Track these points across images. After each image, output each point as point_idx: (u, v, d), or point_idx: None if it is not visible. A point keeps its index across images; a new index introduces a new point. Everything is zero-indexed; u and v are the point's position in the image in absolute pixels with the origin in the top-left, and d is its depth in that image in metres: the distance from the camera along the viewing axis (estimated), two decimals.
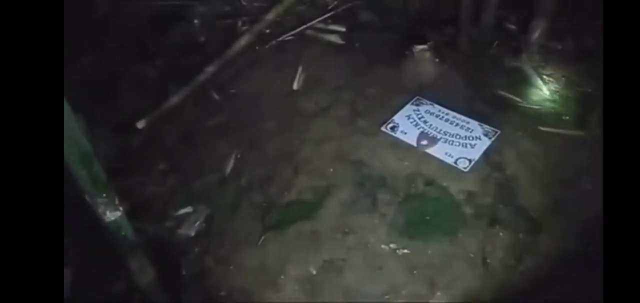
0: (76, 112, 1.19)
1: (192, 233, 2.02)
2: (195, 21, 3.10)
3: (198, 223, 2.04)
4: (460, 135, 2.19)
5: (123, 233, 1.42)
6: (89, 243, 2.01)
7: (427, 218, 1.91)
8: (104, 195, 1.33)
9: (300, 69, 2.71)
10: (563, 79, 2.50)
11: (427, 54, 2.60)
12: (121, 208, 1.38)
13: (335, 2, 3.19)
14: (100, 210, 1.34)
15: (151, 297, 1.62)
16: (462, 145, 2.14)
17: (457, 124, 2.25)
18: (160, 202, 2.15)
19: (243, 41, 2.92)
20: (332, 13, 3.10)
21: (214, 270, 1.87)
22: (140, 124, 2.51)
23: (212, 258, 1.91)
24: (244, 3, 3.25)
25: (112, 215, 1.36)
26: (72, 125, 1.18)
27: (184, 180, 2.24)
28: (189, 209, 2.10)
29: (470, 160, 2.07)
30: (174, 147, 2.42)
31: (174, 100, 2.64)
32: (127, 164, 2.33)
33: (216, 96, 2.68)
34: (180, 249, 1.96)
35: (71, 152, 1.22)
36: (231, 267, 1.88)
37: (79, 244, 2.02)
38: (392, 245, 1.85)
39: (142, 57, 2.94)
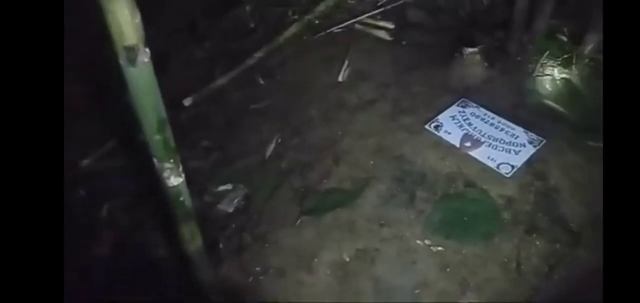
0: None
1: (231, 210, 2.08)
2: (247, 7, 3.17)
3: (237, 200, 2.11)
4: (504, 140, 2.16)
5: (181, 199, 1.49)
6: (135, 210, 2.13)
7: (465, 219, 1.91)
8: (172, 160, 1.39)
9: (346, 61, 2.73)
10: None
11: (477, 57, 2.57)
12: (183, 175, 1.45)
13: None
14: (165, 175, 1.40)
15: (196, 264, 1.69)
16: (506, 151, 2.12)
17: (502, 129, 2.22)
18: (202, 177, 2.23)
19: (292, 30, 2.97)
20: (381, 9, 3.11)
21: (250, 247, 1.93)
22: (187, 101, 2.60)
23: (249, 235, 1.97)
24: None
25: (175, 180, 1.43)
26: (156, 91, 1.26)
27: (225, 159, 2.32)
28: (228, 186, 2.17)
29: (513, 166, 2.05)
30: (218, 126, 2.50)
31: (221, 81, 2.73)
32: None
33: (262, 81, 2.74)
34: (218, 224, 2.03)
35: (150, 117, 1.29)
36: (267, 245, 1.93)
37: (126, 209, 2.13)
38: (426, 242, 1.85)
39: (192, 38, 3.04)
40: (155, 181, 1.48)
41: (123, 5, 1.11)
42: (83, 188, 2.22)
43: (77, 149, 2.33)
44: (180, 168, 1.42)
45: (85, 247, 1.96)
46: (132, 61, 1.21)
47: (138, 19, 1.17)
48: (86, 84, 2.53)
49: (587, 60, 2.53)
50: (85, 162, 2.35)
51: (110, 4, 1.08)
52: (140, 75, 1.25)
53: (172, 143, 1.38)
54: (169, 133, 1.37)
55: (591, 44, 2.50)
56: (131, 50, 1.19)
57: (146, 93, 1.28)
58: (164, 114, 1.32)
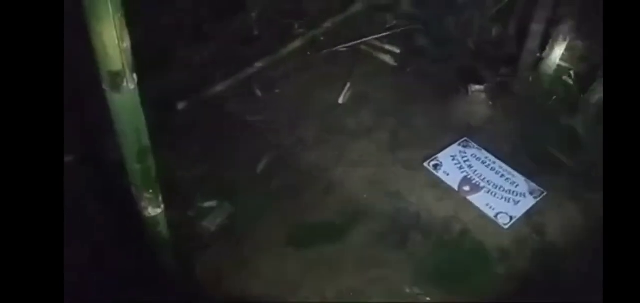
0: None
1: (213, 229, 1.98)
2: (253, 14, 3.08)
3: (220, 219, 2.01)
4: (504, 188, 2.08)
5: (159, 229, 1.40)
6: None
7: (457, 269, 1.82)
8: (151, 191, 1.31)
9: (348, 83, 2.65)
10: None
11: (482, 95, 2.50)
12: (162, 206, 1.36)
13: (394, 22, 3.11)
14: (142, 204, 1.32)
15: (170, 291, 1.60)
16: (506, 200, 2.03)
17: (502, 175, 2.14)
18: (187, 188, 2.13)
19: (297, 43, 2.89)
20: (389, 32, 3.03)
21: (229, 271, 1.83)
22: (181, 105, 2.50)
23: (230, 259, 1.87)
24: None
25: (153, 211, 1.35)
26: (140, 119, 1.17)
27: (213, 171, 2.22)
28: (213, 203, 2.07)
29: (511, 218, 1.96)
30: (210, 135, 2.40)
31: (219, 88, 2.63)
32: (161, 143, 2.32)
33: (260, 93, 2.65)
34: (200, 242, 1.93)
35: (131, 145, 1.21)
36: (247, 272, 1.83)
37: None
38: (415, 289, 1.76)
39: (194, 40, 2.95)
40: (132, 207, 1.39)
41: (111, 28, 1.01)
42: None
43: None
44: (160, 199, 1.34)
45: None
46: (117, 87, 1.12)
47: (127, 43, 1.09)
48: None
49: (593, 109, 2.46)
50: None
51: (98, 26, 0.99)
52: (125, 102, 1.17)
53: (153, 173, 1.30)
54: (151, 162, 1.28)
55: (599, 94, 2.42)
56: (116, 76, 1.11)
57: (129, 120, 1.20)
58: (147, 143, 1.24)
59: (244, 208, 2.05)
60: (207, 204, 2.07)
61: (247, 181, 2.16)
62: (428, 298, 1.73)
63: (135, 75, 1.12)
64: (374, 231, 1.93)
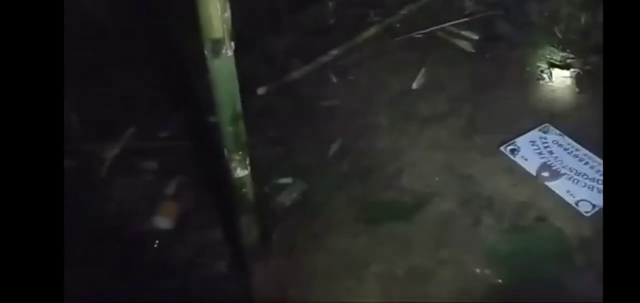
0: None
1: (288, 204, 2.09)
2: (330, 3, 3.16)
3: (295, 195, 2.11)
4: (588, 176, 1.97)
5: (245, 191, 1.52)
6: (201, 190, 2.20)
7: (532, 254, 1.76)
8: (240, 153, 1.43)
9: (423, 69, 2.64)
10: None
11: (566, 81, 2.37)
12: (249, 168, 1.48)
13: (474, 8, 3.04)
14: (232, 166, 1.44)
15: (248, 255, 1.71)
16: (588, 187, 1.93)
17: (586, 163, 2.03)
18: (264, 166, 2.25)
19: (372, 31, 2.92)
20: (467, 18, 2.97)
21: (302, 245, 1.92)
22: (261, 90, 2.64)
23: (302, 233, 1.96)
24: None
25: (241, 172, 1.46)
26: (235, 85, 1.29)
27: (289, 152, 2.32)
28: (289, 180, 2.17)
29: (594, 206, 1.86)
30: (286, 119, 2.51)
31: (295, 75, 2.74)
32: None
33: (335, 79, 2.72)
34: (275, 216, 2.04)
35: (226, 109, 1.33)
36: (319, 246, 1.91)
37: (193, 188, 2.20)
38: (486, 271, 1.73)
39: (273, 29, 3.09)
40: (221, 169, 1.52)
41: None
42: (155, 161, 2.33)
43: (154, 122, 2.46)
44: (247, 161, 1.45)
45: (148, 217, 2.05)
46: (217, 53, 1.24)
47: (227, 13, 1.20)
48: (165, 70, 2.67)
49: None
50: (162, 134, 2.47)
51: None
52: (223, 67, 1.29)
53: (243, 136, 1.42)
54: (241, 126, 1.40)
55: None
56: (217, 43, 1.23)
57: (226, 85, 1.32)
58: (239, 108, 1.35)
59: (317, 187, 2.12)
60: (282, 181, 2.17)
61: (320, 162, 2.24)
62: (499, 280, 1.70)
63: (232, 43, 1.23)
64: (445, 212, 1.93)
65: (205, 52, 1.26)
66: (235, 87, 1.33)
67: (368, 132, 2.35)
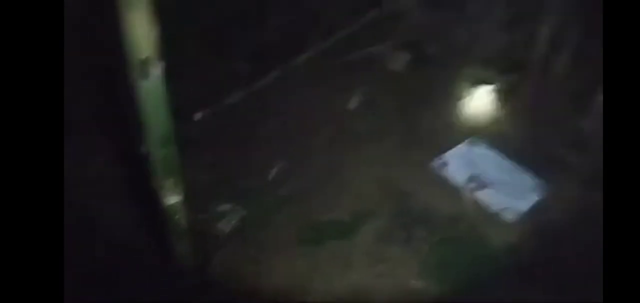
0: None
1: (227, 230, 2.07)
2: (269, 27, 3.20)
3: (234, 221, 2.10)
4: (510, 185, 2.11)
5: (177, 217, 1.49)
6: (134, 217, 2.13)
7: (463, 263, 1.86)
8: (172, 179, 1.39)
9: (359, 90, 2.73)
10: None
11: (490, 97, 2.54)
12: (182, 194, 1.45)
13: (404, 31, 3.19)
14: (162, 192, 1.40)
15: (186, 280, 1.68)
16: (511, 196, 2.07)
17: (509, 173, 2.17)
18: (201, 194, 2.23)
19: (310, 53, 2.98)
20: (399, 41, 3.10)
21: (241, 270, 1.91)
22: (197, 116, 2.62)
23: (242, 258, 1.96)
24: None
25: (173, 199, 1.43)
26: (164, 107, 1.26)
27: (227, 178, 2.31)
28: (227, 206, 2.16)
29: (517, 213, 1.99)
30: (224, 144, 2.50)
31: (234, 98, 2.74)
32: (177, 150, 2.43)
33: (273, 102, 2.75)
34: (214, 243, 2.02)
35: (156, 132, 1.30)
36: (259, 271, 1.91)
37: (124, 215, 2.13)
38: (421, 283, 1.80)
39: (209, 52, 3.07)
40: (154, 195, 1.48)
41: (142, 18, 1.12)
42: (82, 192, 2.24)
43: (80, 155, 2.36)
44: (180, 187, 1.42)
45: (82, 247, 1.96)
46: (145, 74, 1.22)
47: (155, 32, 1.19)
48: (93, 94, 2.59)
49: (599, 110, 2.47)
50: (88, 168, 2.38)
51: (130, 15, 1.09)
52: (151, 89, 1.26)
53: (174, 161, 1.39)
54: (172, 149, 1.37)
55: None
56: (144, 63, 1.21)
57: (155, 108, 1.30)
58: (169, 131, 1.33)
59: (257, 212, 2.13)
60: (221, 208, 2.16)
61: (259, 186, 2.25)
62: (434, 290, 1.77)
63: (161, 64, 1.22)
64: (381, 228, 1.99)
65: (132, 74, 1.23)
66: (164, 109, 1.30)
67: (306, 153, 2.38)
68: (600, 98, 2.41)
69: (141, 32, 1.15)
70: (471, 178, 2.15)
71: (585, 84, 2.61)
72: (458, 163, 2.23)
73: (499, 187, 2.11)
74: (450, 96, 2.67)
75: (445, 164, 2.23)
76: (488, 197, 2.07)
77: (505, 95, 2.65)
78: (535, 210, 2.03)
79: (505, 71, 2.79)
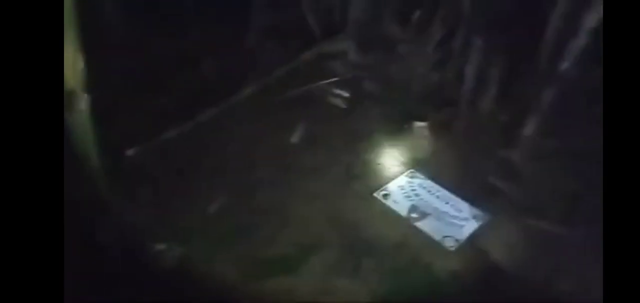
0: None
1: (165, 270, 1.96)
2: (207, 65, 3.16)
3: (173, 261, 1.99)
4: (449, 214, 2.19)
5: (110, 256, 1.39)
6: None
7: (410, 292, 1.87)
8: (102, 214, 1.31)
9: (301, 125, 2.74)
10: (552, 175, 2.53)
11: (425, 131, 2.65)
12: (114, 231, 1.36)
13: (342, 69, 3.28)
14: (95, 229, 1.32)
15: None
16: (451, 224, 2.14)
17: (447, 202, 2.25)
18: (139, 232, 2.10)
19: (248, 90, 2.97)
20: (337, 78, 3.18)
21: None
22: (131, 152, 2.49)
23: (183, 299, 1.84)
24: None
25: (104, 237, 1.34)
26: (89, 140, 1.20)
27: (164, 216, 2.20)
28: (164, 246, 2.05)
29: (457, 240, 2.06)
30: (161, 181, 2.39)
31: (171, 134, 2.65)
32: (112, 190, 2.29)
33: (213, 138, 2.69)
34: (150, 285, 1.89)
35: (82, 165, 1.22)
36: None
37: None
38: None
39: (148, 88, 2.98)
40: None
41: (67, 49, 1.06)
42: None
43: None
44: (111, 223, 1.34)
45: None
46: (69, 107, 1.16)
47: (81, 64, 1.14)
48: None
49: (527, 142, 2.65)
50: None
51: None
52: (77, 121, 1.20)
53: (103, 195, 1.31)
54: (101, 184, 1.30)
55: (531, 126, 2.63)
56: (69, 95, 1.15)
57: (80, 142, 1.23)
58: (96, 165, 1.26)
59: (197, 250, 2.03)
60: (158, 247, 2.04)
61: (200, 223, 2.16)
62: None
63: (86, 96, 1.16)
64: (328, 261, 1.97)
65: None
66: (90, 142, 1.24)
67: (250, 189, 2.34)
68: (527, 129, 2.60)
69: (66, 63, 1.10)
70: (412, 208, 2.21)
71: (512, 117, 2.81)
72: (399, 194, 2.29)
73: (439, 216, 2.17)
74: (389, 130, 2.76)
75: (387, 195, 2.28)
76: (428, 226, 2.13)
77: (439, 129, 2.78)
78: (474, 237, 2.10)
79: (439, 106, 2.94)
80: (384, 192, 2.29)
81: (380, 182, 2.36)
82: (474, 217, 2.18)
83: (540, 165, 2.58)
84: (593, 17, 2.28)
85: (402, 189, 2.31)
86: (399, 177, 2.39)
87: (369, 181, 2.38)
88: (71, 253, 1.79)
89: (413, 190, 2.31)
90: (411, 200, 2.25)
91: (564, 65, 2.39)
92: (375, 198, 2.27)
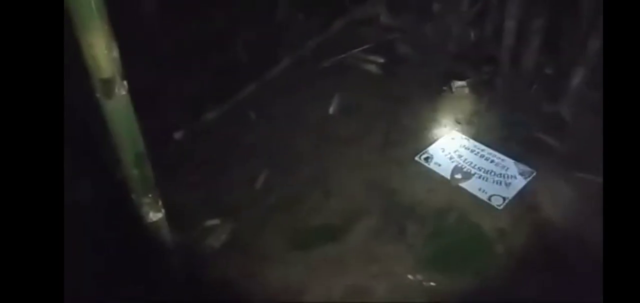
0: None
1: (218, 245, 2.03)
2: (239, 43, 3.19)
3: (224, 236, 2.06)
4: (495, 172, 2.15)
5: (162, 234, 1.45)
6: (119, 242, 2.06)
7: (457, 252, 1.87)
8: (150, 196, 1.36)
9: (337, 95, 2.74)
10: (600, 127, 2.41)
11: (465, 90, 2.59)
12: (163, 211, 1.41)
13: (375, 34, 3.23)
14: (144, 210, 1.37)
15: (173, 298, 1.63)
16: (497, 183, 2.10)
17: (492, 161, 2.21)
18: (189, 212, 2.18)
19: (283, 64, 2.99)
20: (371, 44, 3.14)
21: (236, 283, 1.87)
22: (177, 135, 2.57)
23: (236, 271, 1.91)
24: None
25: (154, 216, 1.39)
26: (133, 125, 1.24)
27: (213, 193, 2.27)
28: (216, 221, 2.12)
29: (504, 198, 2.03)
30: (207, 161, 2.46)
31: (211, 115, 2.71)
32: (160, 172, 2.38)
33: (253, 115, 2.73)
34: (205, 259, 1.98)
35: (128, 151, 1.27)
36: (254, 282, 1.87)
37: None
38: (418, 277, 1.80)
39: (184, 73, 3.04)
40: (135, 216, 1.44)
41: (100, 38, 1.10)
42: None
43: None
44: (160, 203, 1.39)
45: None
46: (109, 94, 1.20)
47: (115, 52, 1.17)
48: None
49: (573, 93, 2.55)
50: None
51: (88, 37, 1.07)
52: (117, 108, 1.24)
53: (150, 177, 1.36)
54: (147, 167, 1.35)
55: (577, 78, 2.52)
56: (108, 83, 1.18)
57: (123, 126, 1.27)
58: (142, 148, 1.30)
59: (246, 223, 2.09)
60: (209, 223, 2.11)
61: (247, 198, 2.22)
62: (432, 283, 1.77)
63: (125, 82, 1.19)
64: (373, 227, 1.99)
65: (97, 95, 1.20)
66: (134, 126, 1.28)
67: (291, 162, 2.37)
68: (572, 80, 2.50)
69: (101, 52, 1.13)
70: (456, 170, 2.18)
71: (555, 70, 2.70)
72: (441, 156, 2.26)
73: (484, 176, 2.14)
74: (426, 93, 2.71)
75: (429, 158, 2.26)
76: (474, 186, 2.10)
77: (480, 87, 2.71)
78: (521, 194, 2.06)
79: (478, 64, 2.86)
80: (425, 156, 2.27)
81: (421, 146, 2.34)
82: (521, 174, 2.14)
83: (588, 117, 2.47)
84: None
85: (444, 151, 2.28)
86: (440, 139, 2.36)
87: (409, 146, 2.36)
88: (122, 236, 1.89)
89: (456, 151, 2.28)
90: (454, 161, 2.22)
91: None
92: (417, 163, 2.25)
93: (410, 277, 1.80)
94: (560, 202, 2.03)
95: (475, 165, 2.19)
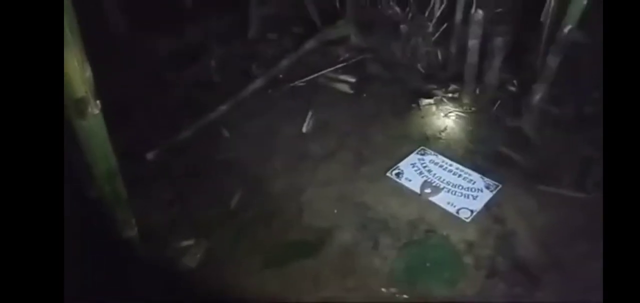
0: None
1: (193, 265, 2.03)
2: (212, 61, 3.22)
3: (199, 255, 2.06)
4: (462, 186, 2.23)
5: (137, 250, 1.45)
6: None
7: (428, 265, 1.93)
8: (124, 212, 1.37)
9: (309, 113, 2.79)
10: (561, 142, 2.55)
11: (433, 108, 2.69)
12: (136, 229, 1.42)
13: (346, 54, 3.32)
14: (117, 227, 1.37)
15: None
16: (465, 196, 2.18)
17: (459, 175, 2.30)
18: (163, 231, 2.17)
19: (256, 84, 3.02)
20: (342, 64, 3.22)
21: (212, 299, 1.87)
22: (150, 155, 2.56)
23: (212, 291, 1.92)
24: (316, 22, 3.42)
25: (128, 233, 1.40)
26: (106, 143, 1.25)
27: (188, 212, 2.27)
28: (191, 241, 2.12)
29: (471, 211, 2.11)
30: (181, 179, 2.46)
31: (185, 134, 2.71)
32: (133, 192, 2.36)
33: (226, 134, 2.75)
34: (180, 280, 1.97)
35: (101, 168, 1.28)
36: (230, 298, 1.88)
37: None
38: (392, 290, 1.85)
39: (157, 91, 3.04)
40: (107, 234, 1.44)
41: (72, 58, 1.11)
42: None
43: None
44: (133, 221, 1.40)
45: None
46: (82, 113, 1.21)
47: (88, 72, 1.18)
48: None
49: (535, 110, 2.68)
50: None
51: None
52: (91, 127, 1.25)
53: (123, 194, 1.37)
54: (119, 184, 1.35)
55: (539, 94, 2.65)
56: (81, 103, 1.20)
57: (96, 144, 1.28)
58: (114, 165, 1.31)
59: (221, 242, 2.10)
60: (184, 243, 2.11)
61: (222, 217, 2.22)
62: (405, 296, 1.82)
63: (98, 102, 1.21)
64: (346, 242, 2.03)
65: (70, 115, 1.22)
66: (106, 144, 1.29)
67: (265, 179, 2.40)
68: (534, 97, 2.63)
69: (74, 72, 1.15)
70: (425, 184, 2.26)
71: (517, 87, 2.84)
72: (412, 171, 2.34)
73: (452, 190, 2.22)
74: (396, 110, 2.80)
75: (400, 173, 2.33)
76: (443, 200, 2.18)
77: (447, 105, 2.81)
78: (488, 207, 2.15)
79: (444, 82, 2.98)
80: (396, 171, 2.34)
81: (392, 162, 2.41)
82: (487, 187, 2.23)
83: (550, 132, 2.61)
84: None
85: (414, 166, 2.36)
86: (410, 155, 2.44)
87: (380, 162, 2.42)
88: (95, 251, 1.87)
89: (425, 166, 2.36)
90: (423, 176, 2.30)
91: (567, 29, 2.40)
92: (388, 178, 2.32)
93: (384, 290, 1.85)
94: (524, 214, 2.12)
95: (444, 179, 2.27)
